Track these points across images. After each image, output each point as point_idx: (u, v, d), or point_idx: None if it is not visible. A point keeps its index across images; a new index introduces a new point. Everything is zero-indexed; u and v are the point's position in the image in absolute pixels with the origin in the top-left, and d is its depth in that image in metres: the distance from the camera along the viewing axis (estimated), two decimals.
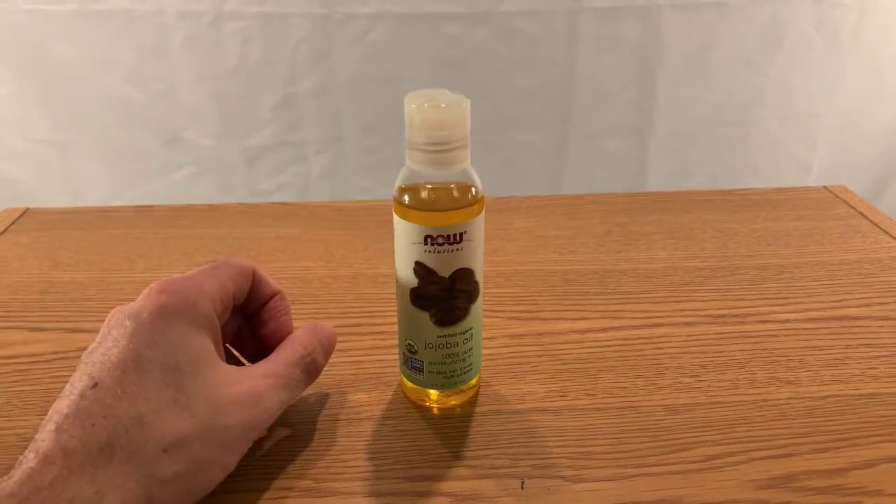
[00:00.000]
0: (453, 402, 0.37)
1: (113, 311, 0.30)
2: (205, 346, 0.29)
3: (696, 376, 0.39)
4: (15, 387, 0.39)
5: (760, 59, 1.07)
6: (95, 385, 0.26)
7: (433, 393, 0.36)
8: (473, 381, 0.37)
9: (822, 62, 1.08)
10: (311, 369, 0.33)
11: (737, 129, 1.13)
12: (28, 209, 0.61)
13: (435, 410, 0.37)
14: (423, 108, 0.30)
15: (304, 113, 1.04)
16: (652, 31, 1.02)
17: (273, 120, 1.04)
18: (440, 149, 0.31)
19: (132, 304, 0.29)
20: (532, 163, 1.10)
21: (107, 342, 0.28)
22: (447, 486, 0.32)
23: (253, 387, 0.29)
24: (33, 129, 1.06)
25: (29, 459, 0.24)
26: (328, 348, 0.34)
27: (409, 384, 0.37)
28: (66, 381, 0.39)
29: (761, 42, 1.06)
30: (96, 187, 1.09)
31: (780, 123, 1.12)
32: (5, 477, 0.24)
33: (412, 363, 0.35)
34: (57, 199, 1.10)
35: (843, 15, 1.05)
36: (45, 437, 0.25)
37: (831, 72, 1.09)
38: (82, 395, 0.26)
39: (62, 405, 0.26)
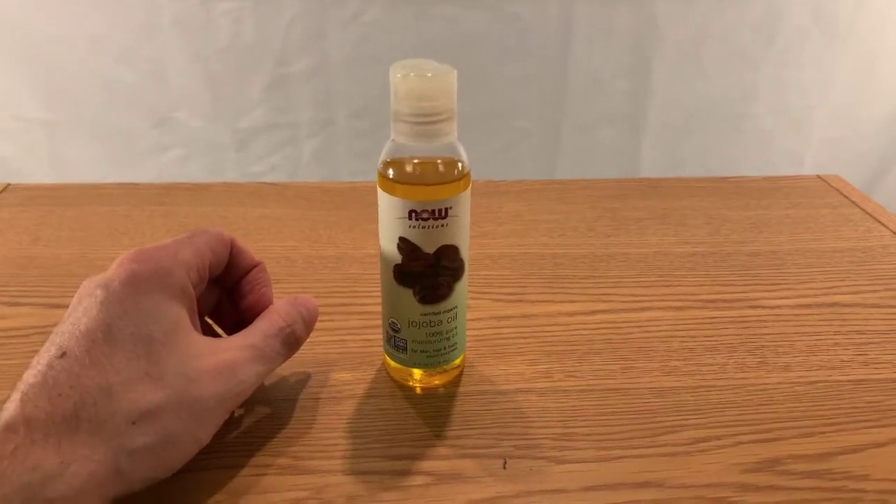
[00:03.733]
0: (437, 382, 0.36)
1: (85, 281, 0.29)
2: (178, 315, 0.28)
3: (685, 360, 0.39)
4: None
5: (755, 51, 1.06)
6: (63, 354, 0.25)
7: (417, 372, 0.36)
8: (458, 361, 0.36)
9: (817, 55, 1.08)
10: (290, 341, 0.32)
11: (730, 122, 1.12)
12: (10, 184, 0.60)
13: (418, 390, 0.36)
14: (408, 77, 0.29)
15: (295, 95, 1.03)
16: (647, 21, 1.02)
17: (264, 101, 1.03)
18: (426, 120, 0.30)
19: (103, 273, 0.28)
20: (524, 151, 1.10)
21: (77, 312, 0.27)
22: (428, 465, 0.31)
23: (228, 358, 0.28)
24: (21, 108, 1.04)
25: None
26: (309, 320, 0.33)
27: (393, 363, 0.36)
28: None
29: (756, 34, 1.05)
30: (84, 167, 1.08)
31: (773, 117, 1.12)
32: None
33: (395, 342, 0.35)
34: (44, 178, 1.08)
35: (840, 7, 1.04)
36: (9, 406, 0.24)
37: (826, 65, 1.09)
38: (49, 365, 0.25)
39: (29, 375, 0.25)
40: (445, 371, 0.36)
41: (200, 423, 0.27)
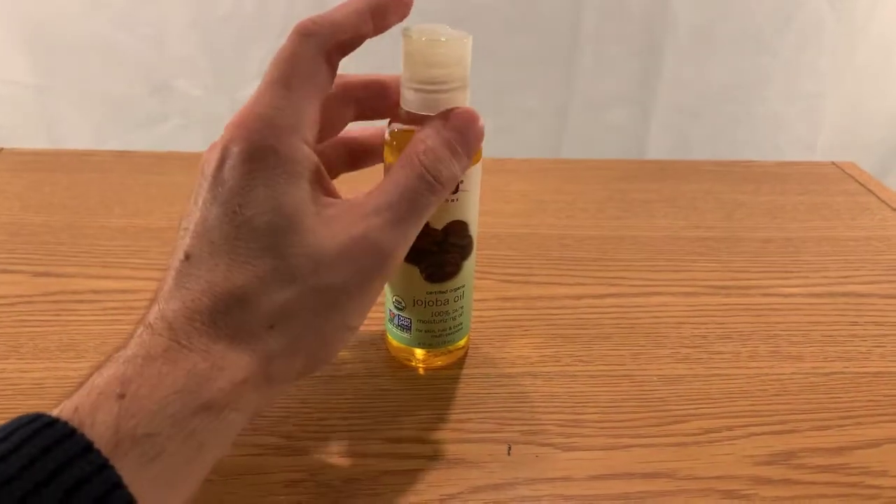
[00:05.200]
0: (440, 363, 0.35)
1: (204, 155, 0.25)
2: (300, 193, 0.24)
3: (696, 347, 0.37)
4: None
5: (770, 35, 1.04)
6: (188, 257, 0.23)
7: (419, 352, 0.34)
8: (462, 343, 0.35)
9: (833, 42, 1.05)
10: (435, 186, 0.26)
11: (741, 107, 1.10)
12: (2, 149, 0.58)
13: (420, 371, 0.35)
14: (419, 41, 0.28)
15: None
16: (660, 0, 0.99)
17: (264, 72, 1.01)
18: (436, 88, 0.28)
19: (215, 152, 0.24)
20: (530, 130, 1.08)
21: (196, 205, 0.24)
22: (430, 448, 0.30)
23: (361, 230, 0.24)
24: (11, 71, 1.01)
25: (139, 333, 0.22)
26: (462, 144, 0.26)
27: (395, 343, 0.35)
28: (30, 326, 0.37)
29: (772, 17, 1.03)
30: (77, 135, 1.06)
31: (785, 103, 1.10)
32: (121, 348, 0.22)
33: (399, 320, 0.33)
34: (37, 145, 1.06)
35: None
36: (147, 311, 0.23)
37: (841, 52, 1.06)
38: (178, 270, 0.23)
39: (164, 280, 0.24)
40: (450, 352, 0.35)
41: (346, 310, 0.25)
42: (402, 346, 0.34)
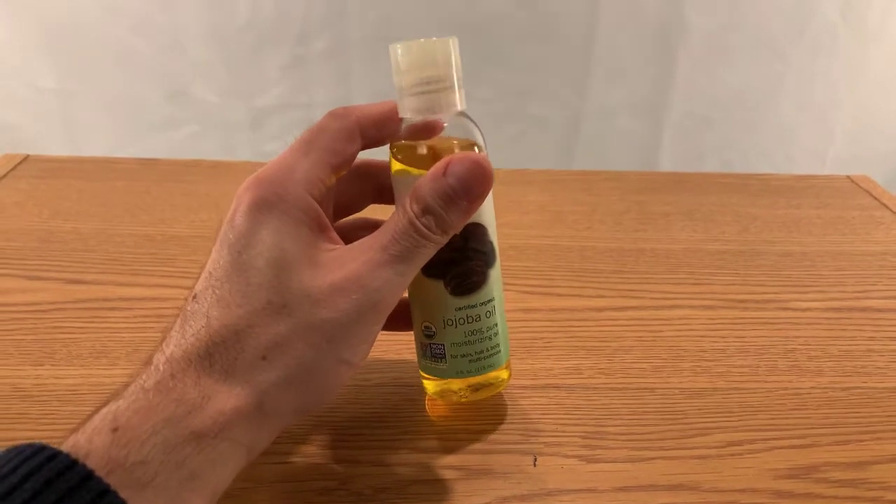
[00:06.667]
0: (484, 395, 0.33)
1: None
2: (301, 237, 0.26)
3: (716, 361, 0.38)
4: (11, 335, 0.38)
5: (783, 43, 1.05)
6: (195, 297, 0.25)
7: (457, 385, 0.32)
8: (505, 373, 0.32)
9: (846, 51, 1.06)
10: (429, 228, 0.26)
11: (753, 115, 1.11)
12: (28, 156, 0.59)
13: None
14: (404, 46, 0.28)
15: (313, 75, 1.01)
16: (674, 8, 1.00)
17: (281, 80, 1.02)
18: (426, 89, 0.28)
19: (233, 204, 0.27)
20: (543, 138, 1.09)
21: (212, 253, 0.26)
22: (457, 459, 0.31)
23: (355, 268, 0.25)
24: (34, 77, 1.03)
25: (139, 371, 0.24)
26: (457, 190, 0.26)
27: (433, 383, 0.32)
28: (64, 333, 0.38)
29: (785, 26, 1.04)
30: (97, 139, 1.07)
31: (797, 112, 1.10)
32: (122, 387, 0.23)
33: (432, 350, 0.31)
34: (56, 149, 1.07)
35: (871, 2, 1.02)
36: (154, 352, 0.24)
37: (854, 61, 1.07)
38: (185, 309, 0.25)
39: (173, 324, 0.25)
40: (491, 385, 0.32)
41: (341, 345, 0.25)
42: (438, 387, 0.32)
